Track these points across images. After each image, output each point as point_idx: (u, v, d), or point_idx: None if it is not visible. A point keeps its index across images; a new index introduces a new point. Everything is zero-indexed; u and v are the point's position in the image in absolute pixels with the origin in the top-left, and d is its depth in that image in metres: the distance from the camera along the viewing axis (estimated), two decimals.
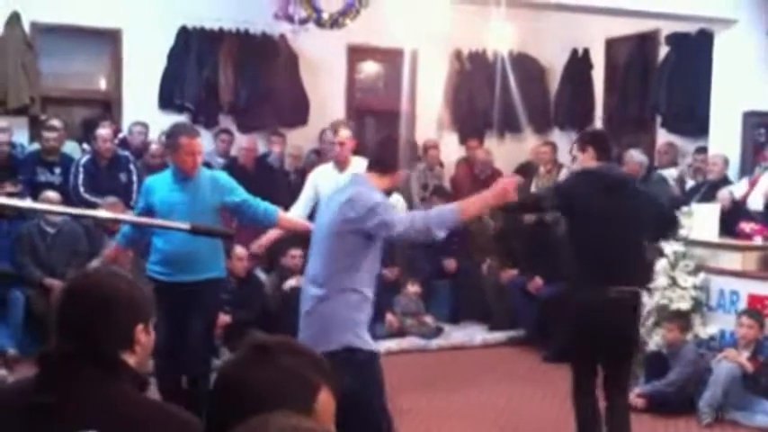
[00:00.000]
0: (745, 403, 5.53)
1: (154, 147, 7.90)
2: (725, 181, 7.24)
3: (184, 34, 8.74)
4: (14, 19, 8.04)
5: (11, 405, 1.83)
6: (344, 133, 5.52)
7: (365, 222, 3.43)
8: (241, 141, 8.60)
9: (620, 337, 4.34)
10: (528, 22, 9.22)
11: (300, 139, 8.76)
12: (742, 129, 7.58)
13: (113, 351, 1.87)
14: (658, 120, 8.77)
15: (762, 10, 7.50)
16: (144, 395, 1.92)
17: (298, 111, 9.07)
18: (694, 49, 8.21)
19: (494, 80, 9.56)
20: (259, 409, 1.30)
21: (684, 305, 6.01)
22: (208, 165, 8.11)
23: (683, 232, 6.24)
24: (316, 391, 1.49)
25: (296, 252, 6.94)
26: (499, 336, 7.76)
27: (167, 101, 8.72)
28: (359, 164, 5.57)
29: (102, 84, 8.90)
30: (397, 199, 5.82)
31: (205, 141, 8.45)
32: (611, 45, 9.46)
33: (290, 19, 6.96)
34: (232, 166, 8.26)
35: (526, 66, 9.94)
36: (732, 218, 6.49)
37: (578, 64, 9.76)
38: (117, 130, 8.21)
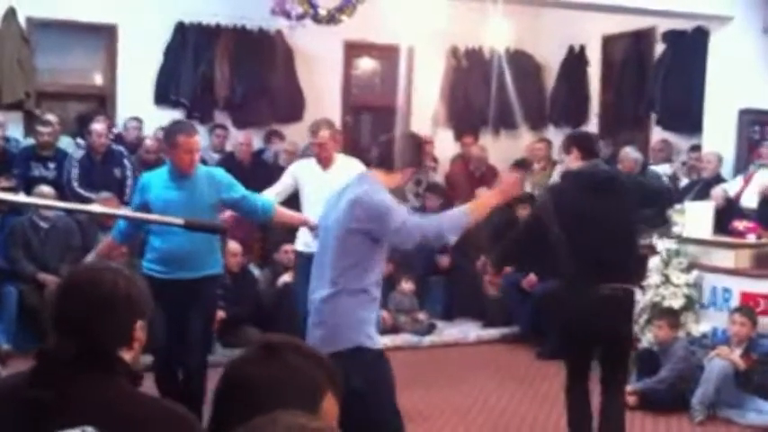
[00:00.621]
0: (738, 401, 5.54)
1: (148, 142, 7.90)
2: (718, 179, 7.26)
3: (181, 30, 8.74)
4: (10, 14, 8.04)
5: (5, 400, 1.82)
6: (323, 134, 5.49)
7: (377, 229, 3.40)
8: (236, 137, 8.59)
9: (614, 335, 4.36)
10: (525, 19, 9.23)
11: (296, 135, 8.75)
12: (737, 126, 7.59)
13: (112, 348, 1.87)
14: (653, 117, 8.78)
15: (757, 7, 7.51)
16: (140, 391, 1.92)
17: (293, 106, 9.07)
18: (690, 47, 8.22)
19: (490, 77, 9.57)
20: (266, 408, 1.30)
21: (677, 303, 6.03)
22: (203, 160, 8.14)
23: (676, 229, 6.27)
24: (323, 393, 1.50)
25: (289, 247, 6.94)
26: (493, 332, 7.76)
27: (162, 96, 8.71)
28: (344, 162, 5.58)
29: (98, 79, 8.89)
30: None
31: (200, 136, 8.50)
32: (608, 42, 9.47)
33: (286, 15, 6.96)
34: (228, 162, 8.26)
35: (522, 63, 9.95)
36: (726, 216, 6.51)
37: (574, 61, 9.77)
38: (111, 126, 8.21)
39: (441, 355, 7.22)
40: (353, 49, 9.62)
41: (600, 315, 4.22)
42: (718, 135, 7.59)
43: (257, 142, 8.74)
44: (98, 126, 7.53)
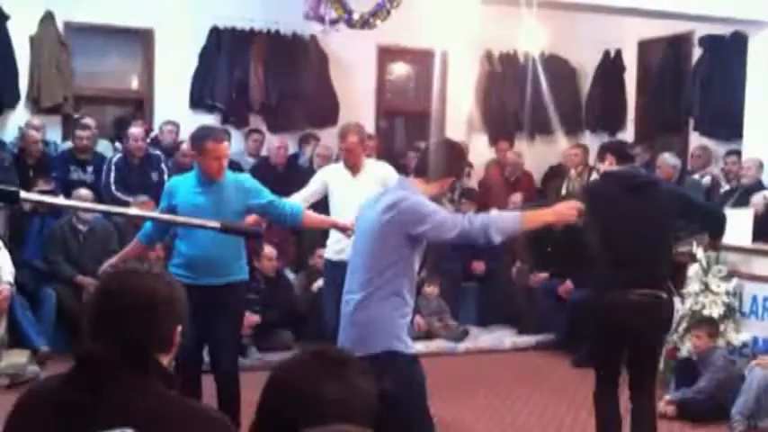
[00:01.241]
0: None
1: (185, 146, 7.95)
2: (759, 185, 7.15)
3: (216, 34, 8.79)
4: (48, 18, 8.14)
5: (45, 402, 1.83)
6: (352, 139, 5.46)
7: (416, 226, 3.38)
8: (271, 141, 8.63)
9: (641, 341, 4.30)
10: (560, 24, 9.14)
11: (330, 140, 8.75)
12: None
13: (152, 352, 1.87)
14: (691, 123, 8.67)
15: None
16: (177, 394, 1.92)
17: (328, 111, 9.08)
18: (728, 52, 8.11)
19: (524, 82, 9.51)
20: (322, 423, 1.30)
21: (717, 311, 5.93)
22: (237, 165, 8.17)
23: None
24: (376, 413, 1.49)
25: (323, 252, 6.95)
26: (528, 339, 7.71)
27: (198, 101, 8.77)
28: (373, 167, 5.55)
29: (135, 83, 8.98)
30: None
31: (235, 141, 8.55)
32: (644, 47, 9.37)
33: (320, 19, 6.98)
34: (262, 166, 8.29)
35: (557, 67, 9.87)
36: (766, 223, 6.40)
37: (610, 66, 9.68)
38: (149, 130, 8.28)
39: (476, 361, 7.18)
40: (387, 54, 9.62)
41: (627, 321, 4.17)
42: (759, 141, 7.47)
43: (292, 147, 8.76)
44: (135, 130, 7.61)
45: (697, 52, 8.59)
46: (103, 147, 8.04)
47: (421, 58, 9.66)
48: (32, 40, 8.10)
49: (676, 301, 5.10)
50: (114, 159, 7.51)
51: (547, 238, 7.91)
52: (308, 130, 8.94)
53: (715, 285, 6.00)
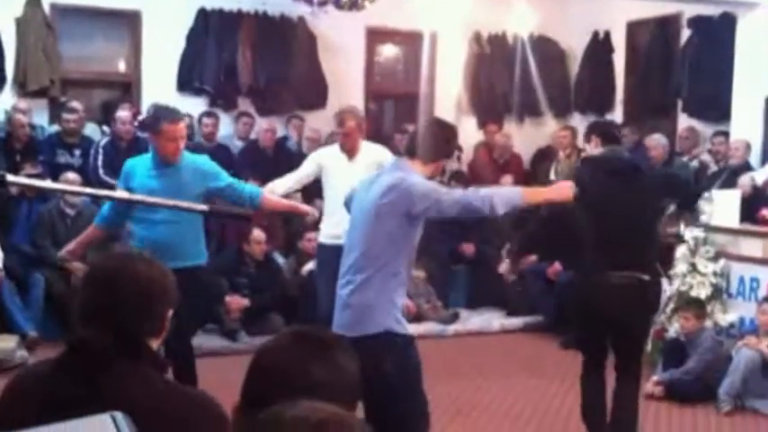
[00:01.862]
0: (765, 391, 5.47)
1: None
2: (746, 167, 7.17)
3: (203, 16, 8.73)
4: (34, 1, 8.06)
5: (34, 388, 1.83)
6: (350, 123, 5.45)
7: (417, 206, 3.36)
8: (260, 124, 8.60)
9: (624, 324, 4.31)
10: (548, 5, 9.14)
11: (319, 122, 8.74)
12: (765, 113, 7.49)
13: (143, 337, 1.87)
14: (679, 104, 8.69)
15: None
16: (168, 379, 1.93)
17: (316, 93, 9.05)
18: (717, 33, 8.11)
19: (513, 63, 9.50)
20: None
21: (704, 292, 5.97)
22: (226, 148, 8.12)
23: (703, 218, 6.20)
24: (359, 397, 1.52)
25: (313, 236, 6.94)
26: (516, 322, 7.74)
27: (186, 83, 8.72)
28: (368, 149, 5.54)
29: (122, 66, 8.91)
30: None
31: (224, 124, 8.52)
32: (633, 28, 9.36)
33: (308, 1, 6.94)
34: (251, 149, 8.27)
35: (546, 49, 9.86)
36: (753, 204, 6.43)
37: (599, 47, 9.67)
38: (136, 113, 8.23)
39: (465, 343, 7.21)
40: (376, 36, 9.58)
41: (610, 303, 4.18)
42: (746, 122, 7.49)
43: (280, 130, 8.74)
44: (123, 113, 7.56)
45: (686, 33, 8.59)
46: (91, 130, 7.99)
47: (410, 40, 9.62)
48: (18, 22, 8.02)
49: (664, 282, 5.12)
50: (102, 143, 7.47)
51: (533, 219, 7.93)
52: (297, 112, 8.91)
53: (702, 266, 6.03)
